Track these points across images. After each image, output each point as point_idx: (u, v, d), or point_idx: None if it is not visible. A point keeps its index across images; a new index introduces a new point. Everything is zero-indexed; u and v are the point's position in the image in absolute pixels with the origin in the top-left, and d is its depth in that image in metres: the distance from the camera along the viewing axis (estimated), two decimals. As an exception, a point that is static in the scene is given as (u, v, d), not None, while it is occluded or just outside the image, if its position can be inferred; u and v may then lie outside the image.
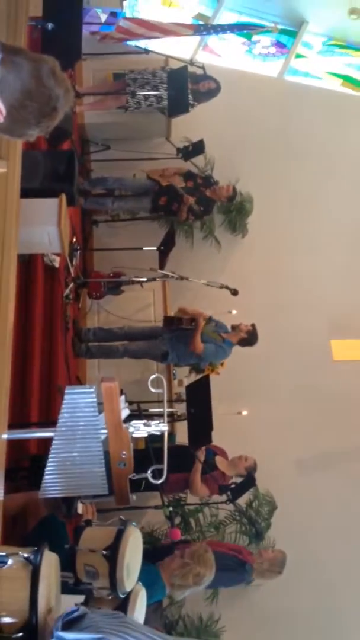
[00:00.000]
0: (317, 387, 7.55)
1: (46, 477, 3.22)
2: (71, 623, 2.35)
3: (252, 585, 6.34)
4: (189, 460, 5.65)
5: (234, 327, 6.29)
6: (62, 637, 2.27)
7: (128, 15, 8.15)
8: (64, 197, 4.78)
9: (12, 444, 3.72)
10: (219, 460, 5.92)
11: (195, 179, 7.30)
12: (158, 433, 3.37)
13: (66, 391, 3.10)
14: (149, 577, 3.80)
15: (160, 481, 3.35)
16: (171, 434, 6.19)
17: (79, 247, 6.69)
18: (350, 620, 6.86)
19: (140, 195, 7.27)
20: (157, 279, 6.64)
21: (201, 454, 5.67)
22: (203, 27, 8.08)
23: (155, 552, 4.67)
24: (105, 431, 3.16)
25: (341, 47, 9.30)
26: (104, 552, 2.98)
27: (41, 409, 5.12)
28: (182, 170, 7.35)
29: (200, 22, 8.60)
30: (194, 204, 7.08)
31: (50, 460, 3.19)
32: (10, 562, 2.51)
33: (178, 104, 7.22)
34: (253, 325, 6.26)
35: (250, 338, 6.24)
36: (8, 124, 1.77)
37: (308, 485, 7.20)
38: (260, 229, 8.18)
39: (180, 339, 6.24)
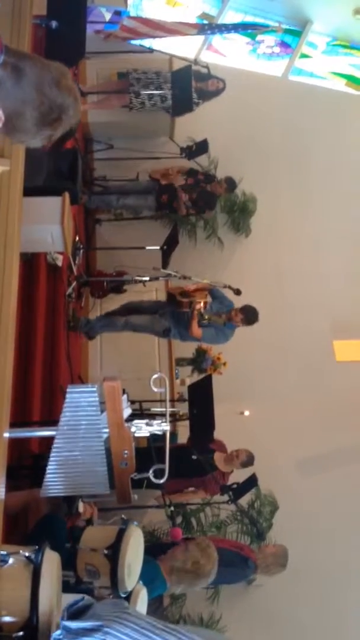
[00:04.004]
0: (320, 388, 7.55)
1: (48, 476, 3.22)
2: (77, 614, 2.39)
3: (253, 585, 6.34)
4: (191, 464, 5.63)
5: (229, 318, 6.23)
6: (67, 627, 2.33)
7: (132, 14, 8.15)
8: (67, 195, 4.77)
9: (13, 443, 3.71)
10: (216, 457, 5.89)
11: (196, 175, 7.31)
12: (160, 432, 3.36)
13: (68, 390, 3.10)
14: (150, 572, 3.80)
15: (162, 481, 3.35)
16: (173, 434, 6.18)
17: (82, 246, 6.68)
18: (351, 621, 6.85)
19: (144, 194, 7.29)
20: (160, 278, 6.63)
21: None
22: (207, 27, 8.06)
23: (157, 548, 4.64)
24: (107, 430, 3.15)
25: (345, 47, 9.28)
26: (106, 552, 2.98)
27: (43, 408, 5.11)
28: (185, 168, 7.38)
29: (205, 22, 8.59)
30: (187, 200, 7.11)
31: (51, 459, 3.18)
32: (11, 561, 2.50)
33: (182, 103, 7.23)
34: (243, 309, 6.16)
35: (247, 320, 6.17)
36: (8, 132, 1.73)
37: (310, 486, 7.18)
38: (263, 229, 8.17)
39: (181, 319, 6.24)
